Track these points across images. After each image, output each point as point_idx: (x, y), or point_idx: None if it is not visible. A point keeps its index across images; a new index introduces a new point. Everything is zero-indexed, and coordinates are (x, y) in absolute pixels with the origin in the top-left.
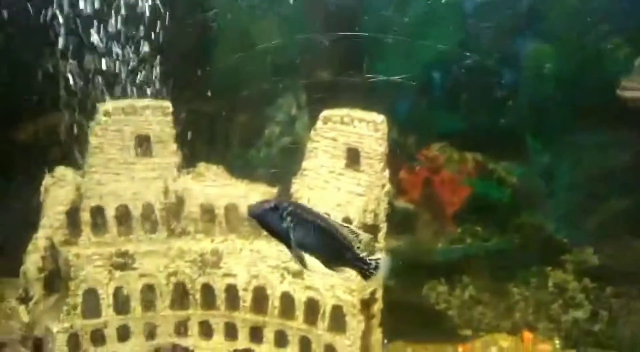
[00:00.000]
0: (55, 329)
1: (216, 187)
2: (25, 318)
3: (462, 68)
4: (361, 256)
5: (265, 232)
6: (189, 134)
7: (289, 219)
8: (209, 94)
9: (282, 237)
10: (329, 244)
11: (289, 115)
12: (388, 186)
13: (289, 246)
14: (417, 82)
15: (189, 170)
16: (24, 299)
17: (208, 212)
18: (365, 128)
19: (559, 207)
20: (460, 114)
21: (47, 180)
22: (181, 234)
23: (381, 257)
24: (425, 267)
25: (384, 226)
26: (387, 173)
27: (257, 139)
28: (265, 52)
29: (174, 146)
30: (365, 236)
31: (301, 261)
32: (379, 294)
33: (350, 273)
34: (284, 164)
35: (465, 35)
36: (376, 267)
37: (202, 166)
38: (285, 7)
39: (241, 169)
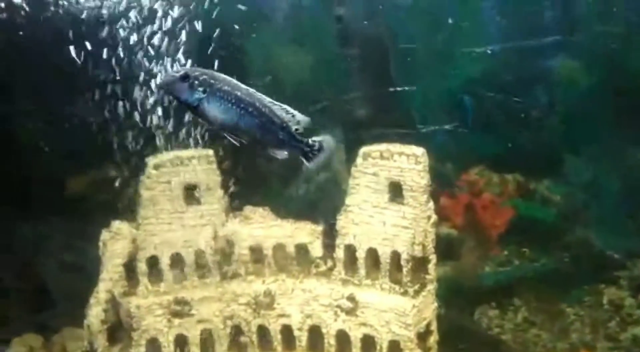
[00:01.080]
0: None
1: (263, 228)
2: None
3: (493, 89)
4: (299, 137)
5: (314, 270)
6: (233, 179)
7: (200, 89)
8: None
9: (195, 111)
10: (255, 121)
11: None
12: (434, 217)
13: (207, 121)
14: (449, 107)
15: (235, 215)
16: None
17: (257, 253)
18: (406, 161)
19: (607, 222)
20: (496, 136)
21: (104, 235)
22: (233, 276)
23: (323, 138)
24: (474, 292)
25: (433, 257)
26: (431, 204)
27: (295, 177)
28: (299, 91)
29: (220, 192)
30: (302, 117)
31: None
32: (434, 326)
33: (405, 307)
34: (324, 200)
35: (495, 57)
36: (320, 149)
37: (248, 209)
38: (316, 43)
39: (283, 208)
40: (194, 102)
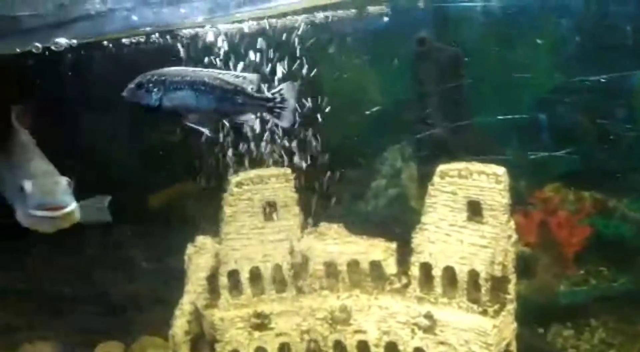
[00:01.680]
0: None
1: (337, 244)
2: None
3: (569, 105)
4: (257, 94)
5: (389, 287)
6: (307, 196)
7: (155, 89)
8: (319, 149)
9: (160, 110)
10: (211, 96)
11: (394, 168)
12: (514, 237)
13: (175, 114)
14: (524, 123)
15: (310, 231)
16: None
17: (331, 269)
18: (486, 181)
19: None
20: (572, 153)
21: (189, 249)
22: (308, 291)
23: (282, 86)
24: (548, 312)
25: (513, 277)
26: (512, 224)
27: (365, 193)
28: (371, 105)
29: (296, 209)
30: (252, 76)
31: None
32: (514, 346)
33: (485, 327)
34: (392, 216)
35: (570, 73)
36: (283, 99)
37: (323, 226)
38: (387, 61)
39: (352, 224)
40: (154, 103)
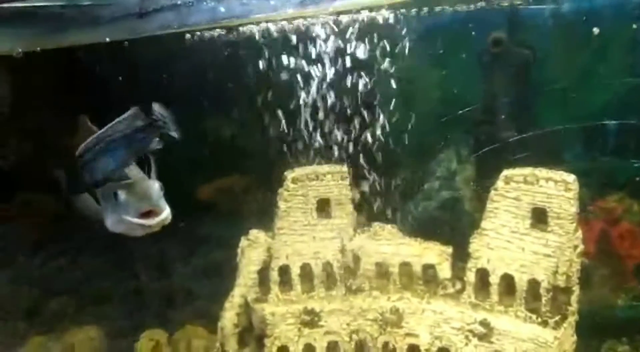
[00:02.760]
0: None
1: (390, 245)
2: None
3: (636, 113)
4: (141, 124)
5: (441, 292)
6: (360, 195)
7: (84, 172)
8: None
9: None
10: (122, 149)
11: (449, 170)
12: (581, 247)
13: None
14: (588, 130)
15: (364, 230)
16: None
17: (382, 270)
18: (554, 188)
19: None
20: (638, 162)
21: (243, 242)
22: (357, 291)
23: (153, 104)
24: (603, 325)
25: (576, 288)
26: (579, 234)
27: (416, 194)
28: (431, 107)
29: (350, 207)
30: (131, 111)
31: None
32: None
33: (546, 338)
34: (443, 219)
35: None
36: (162, 113)
37: (377, 226)
38: (456, 61)
39: (403, 225)
40: (91, 188)
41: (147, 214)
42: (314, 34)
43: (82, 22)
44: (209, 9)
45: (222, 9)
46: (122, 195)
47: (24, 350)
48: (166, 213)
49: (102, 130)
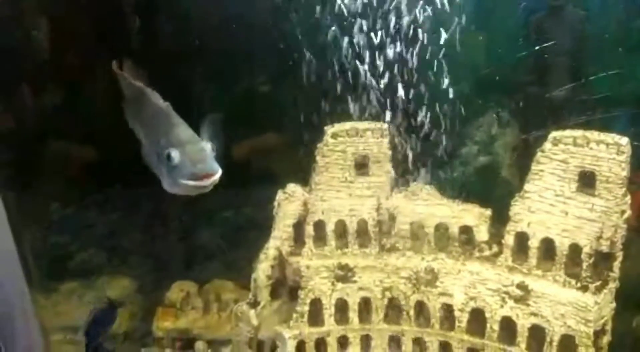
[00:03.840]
0: (287, 335)
1: (427, 206)
2: (255, 322)
3: None
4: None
5: (477, 254)
6: (400, 154)
7: None
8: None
9: None
10: None
11: (488, 135)
12: (628, 212)
13: None
14: (638, 99)
15: (401, 190)
16: (253, 304)
17: (417, 230)
18: (605, 151)
19: None
20: None
21: (279, 195)
22: (391, 250)
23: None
24: (637, 298)
25: (619, 254)
26: (628, 198)
27: (455, 158)
28: (473, 68)
29: (388, 166)
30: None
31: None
32: (609, 326)
33: (587, 303)
34: (480, 184)
35: None
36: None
37: (414, 186)
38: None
39: (439, 188)
40: None
41: (203, 177)
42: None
43: None
44: None
45: None
46: (176, 157)
47: (56, 295)
48: (219, 173)
49: None
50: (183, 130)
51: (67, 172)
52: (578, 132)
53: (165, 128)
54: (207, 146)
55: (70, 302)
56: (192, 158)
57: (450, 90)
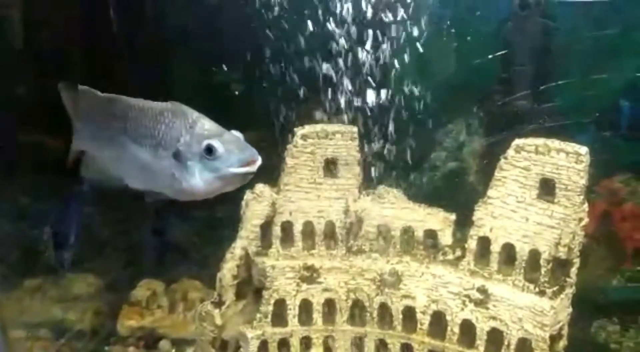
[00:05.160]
0: (249, 335)
1: (394, 209)
2: (219, 321)
3: None
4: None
5: (441, 258)
6: (369, 157)
7: None
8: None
9: None
10: None
11: (457, 141)
12: (586, 220)
13: None
14: (602, 111)
15: (368, 192)
16: (218, 303)
17: (384, 233)
18: (565, 159)
19: None
20: None
21: (247, 195)
22: (357, 252)
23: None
24: (596, 304)
25: (576, 261)
26: (586, 206)
27: (422, 163)
28: (444, 75)
29: (357, 169)
30: None
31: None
32: (565, 331)
33: (543, 307)
34: (447, 189)
35: None
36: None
37: (382, 189)
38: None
39: (406, 192)
40: None
41: (251, 161)
42: None
43: None
44: None
45: None
46: (219, 146)
47: (19, 291)
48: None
49: None
50: (208, 121)
51: (37, 166)
52: (540, 141)
53: (183, 124)
54: (238, 133)
55: (34, 298)
56: (236, 145)
57: (419, 96)
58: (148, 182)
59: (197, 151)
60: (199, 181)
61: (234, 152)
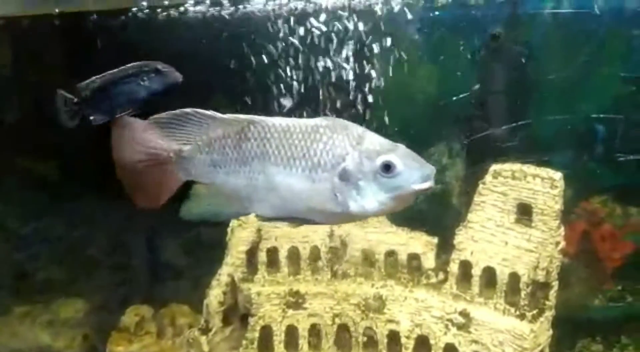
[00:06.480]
0: None
1: (378, 233)
2: (206, 348)
3: (630, 117)
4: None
5: (424, 281)
6: None
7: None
8: None
9: None
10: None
11: (439, 164)
12: (563, 244)
13: None
14: (579, 134)
15: None
16: (205, 330)
17: (368, 257)
18: (540, 184)
19: None
20: (625, 167)
21: (233, 222)
22: (342, 276)
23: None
24: (579, 324)
25: (555, 284)
26: (562, 231)
27: None
28: (426, 98)
29: None
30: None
31: None
32: None
33: (523, 330)
34: (431, 212)
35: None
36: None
37: None
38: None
39: (390, 215)
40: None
41: (430, 176)
42: (307, 17)
43: None
44: None
45: None
46: (399, 164)
47: (8, 318)
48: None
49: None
50: (376, 135)
51: (27, 187)
52: (516, 166)
53: (347, 140)
54: (404, 146)
55: (23, 324)
56: (414, 159)
57: (400, 120)
58: (292, 208)
59: (371, 169)
60: (372, 202)
61: (414, 167)
